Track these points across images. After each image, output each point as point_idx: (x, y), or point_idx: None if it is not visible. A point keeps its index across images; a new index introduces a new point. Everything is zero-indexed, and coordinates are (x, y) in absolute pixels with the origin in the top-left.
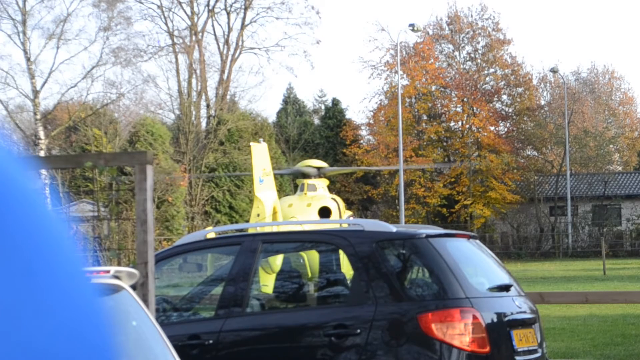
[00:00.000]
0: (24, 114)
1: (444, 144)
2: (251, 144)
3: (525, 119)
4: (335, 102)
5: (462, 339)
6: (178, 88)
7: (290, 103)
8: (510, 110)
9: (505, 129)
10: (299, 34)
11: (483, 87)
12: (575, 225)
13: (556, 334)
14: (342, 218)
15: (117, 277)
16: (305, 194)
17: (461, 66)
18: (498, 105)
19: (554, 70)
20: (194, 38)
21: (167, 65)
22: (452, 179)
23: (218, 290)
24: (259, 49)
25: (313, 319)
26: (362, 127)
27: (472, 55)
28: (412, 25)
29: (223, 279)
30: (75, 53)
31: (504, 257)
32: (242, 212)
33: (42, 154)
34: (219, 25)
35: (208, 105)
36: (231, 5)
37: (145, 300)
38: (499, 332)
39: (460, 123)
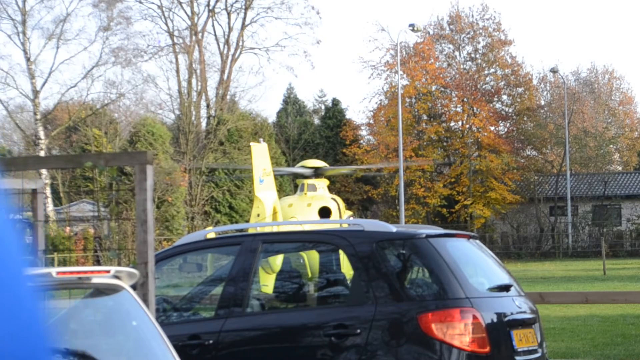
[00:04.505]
0: (24, 114)
1: (444, 144)
2: (251, 144)
3: (525, 119)
4: (335, 102)
5: (462, 339)
6: (178, 88)
7: (290, 103)
8: (510, 110)
9: (505, 129)
10: (299, 34)
11: (483, 87)
12: (575, 225)
13: (556, 334)
14: (342, 218)
15: (117, 277)
16: (305, 194)
17: (461, 66)
18: (498, 105)
19: (554, 70)
20: (194, 38)
21: (167, 65)
22: (452, 179)
23: (218, 290)
24: (259, 49)
25: (313, 319)
26: (362, 127)
27: (473, 55)
28: (412, 25)
29: (223, 279)
30: (75, 53)
31: (504, 257)
32: (242, 212)
33: (42, 154)
34: (219, 25)
35: (208, 105)
36: (231, 5)
37: (145, 300)
38: (499, 332)
39: (460, 123)
